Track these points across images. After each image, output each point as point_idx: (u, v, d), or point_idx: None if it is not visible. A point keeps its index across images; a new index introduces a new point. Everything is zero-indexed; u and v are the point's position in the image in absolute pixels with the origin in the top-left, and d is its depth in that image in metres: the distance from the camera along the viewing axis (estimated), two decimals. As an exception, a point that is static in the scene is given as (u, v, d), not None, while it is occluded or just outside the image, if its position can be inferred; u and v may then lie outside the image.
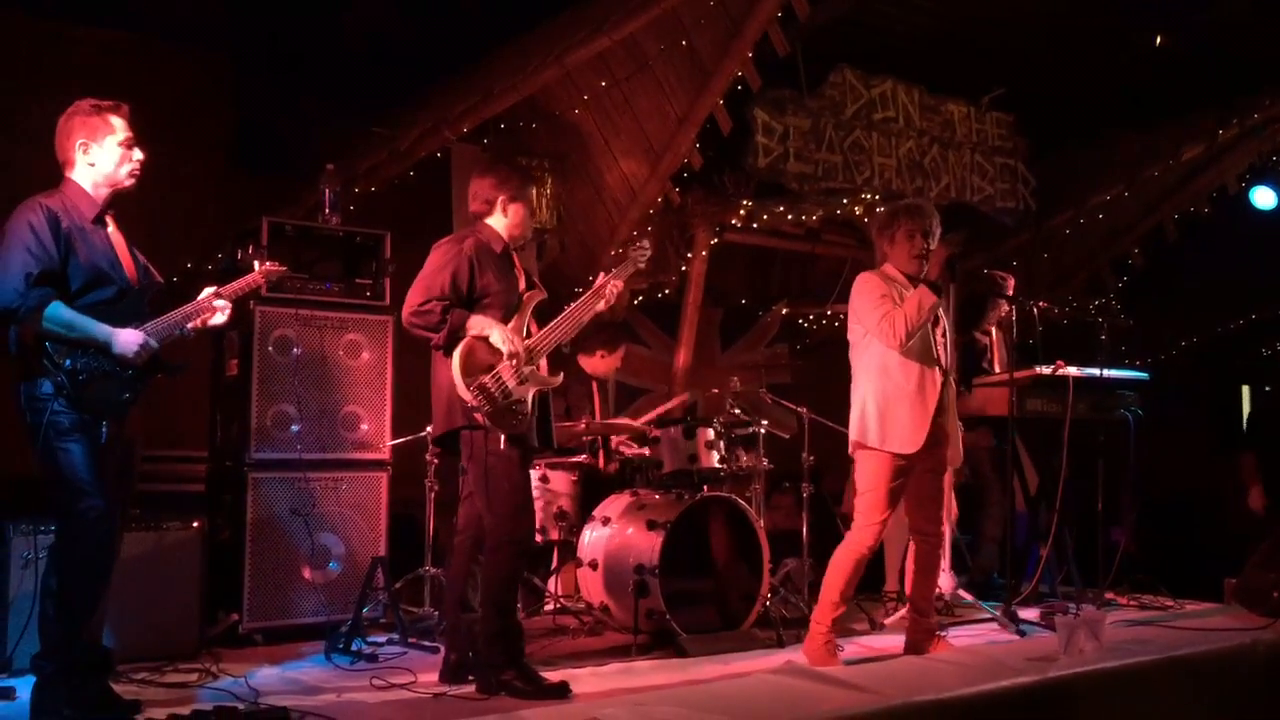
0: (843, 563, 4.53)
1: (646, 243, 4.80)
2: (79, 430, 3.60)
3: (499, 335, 4.16)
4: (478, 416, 4.07)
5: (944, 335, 4.67)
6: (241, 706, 3.70)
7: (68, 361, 3.60)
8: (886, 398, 4.51)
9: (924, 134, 8.20)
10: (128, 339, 3.68)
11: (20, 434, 3.66)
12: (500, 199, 4.38)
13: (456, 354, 4.09)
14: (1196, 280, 9.29)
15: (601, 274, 4.57)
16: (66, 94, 3.92)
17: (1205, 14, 7.33)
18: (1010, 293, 6.18)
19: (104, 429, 3.63)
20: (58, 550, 3.74)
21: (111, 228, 3.88)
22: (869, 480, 4.54)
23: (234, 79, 6.90)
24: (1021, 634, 5.07)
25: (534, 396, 4.24)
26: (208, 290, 3.98)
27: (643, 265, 4.73)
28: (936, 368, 4.58)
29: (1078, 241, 9.42)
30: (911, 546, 4.79)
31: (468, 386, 4.05)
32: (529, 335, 4.32)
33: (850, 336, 4.70)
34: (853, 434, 4.60)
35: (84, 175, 3.82)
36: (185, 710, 3.59)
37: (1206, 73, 7.92)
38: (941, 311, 4.66)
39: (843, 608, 4.58)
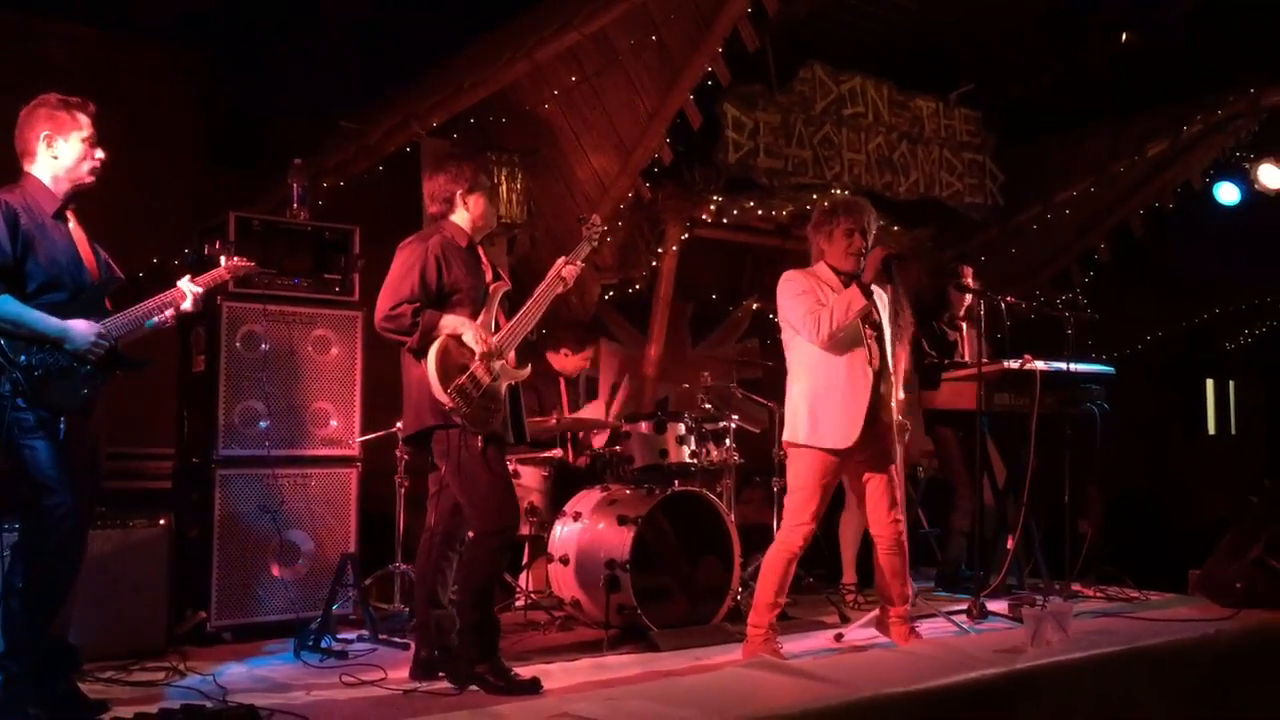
0: (774, 563, 4.55)
1: (596, 217, 4.82)
2: (43, 428, 3.57)
3: (471, 335, 4.15)
4: (455, 418, 4.07)
5: (877, 331, 4.62)
6: (209, 704, 3.67)
7: (23, 358, 3.57)
8: (816, 394, 4.53)
9: (893, 129, 8.24)
10: (81, 331, 3.64)
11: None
12: (458, 194, 4.37)
13: (432, 356, 4.08)
14: (1162, 275, 9.40)
15: (560, 259, 4.56)
16: (34, 89, 3.88)
17: (1169, 10, 7.41)
18: (969, 283, 6.21)
19: (62, 425, 3.59)
20: (23, 548, 3.70)
21: (72, 223, 3.85)
22: (799, 478, 4.55)
23: (202, 74, 6.83)
24: (965, 631, 5.00)
25: (506, 391, 4.24)
26: (182, 280, 3.96)
27: (596, 243, 4.74)
28: (869, 364, 4.55)
29: (1045, 236, 9.49)
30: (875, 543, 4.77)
31: (445, 390, 4.04)
32: (497, 328, 4.32)
33: (782, 336, 4.72)
34: (785, 432, 4.62)
35: (44, 169, 3.79)
36: (153, 709, 3.56)
37: (1171, 69, 8.01)
38: (882, 310, 4.65)
39: (777, 609, 4.57)
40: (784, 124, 7.60)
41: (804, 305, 4.53)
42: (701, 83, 6.83)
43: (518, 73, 6.52)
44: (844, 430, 4.48)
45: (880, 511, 4.67)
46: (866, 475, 4.64)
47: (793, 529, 4.53)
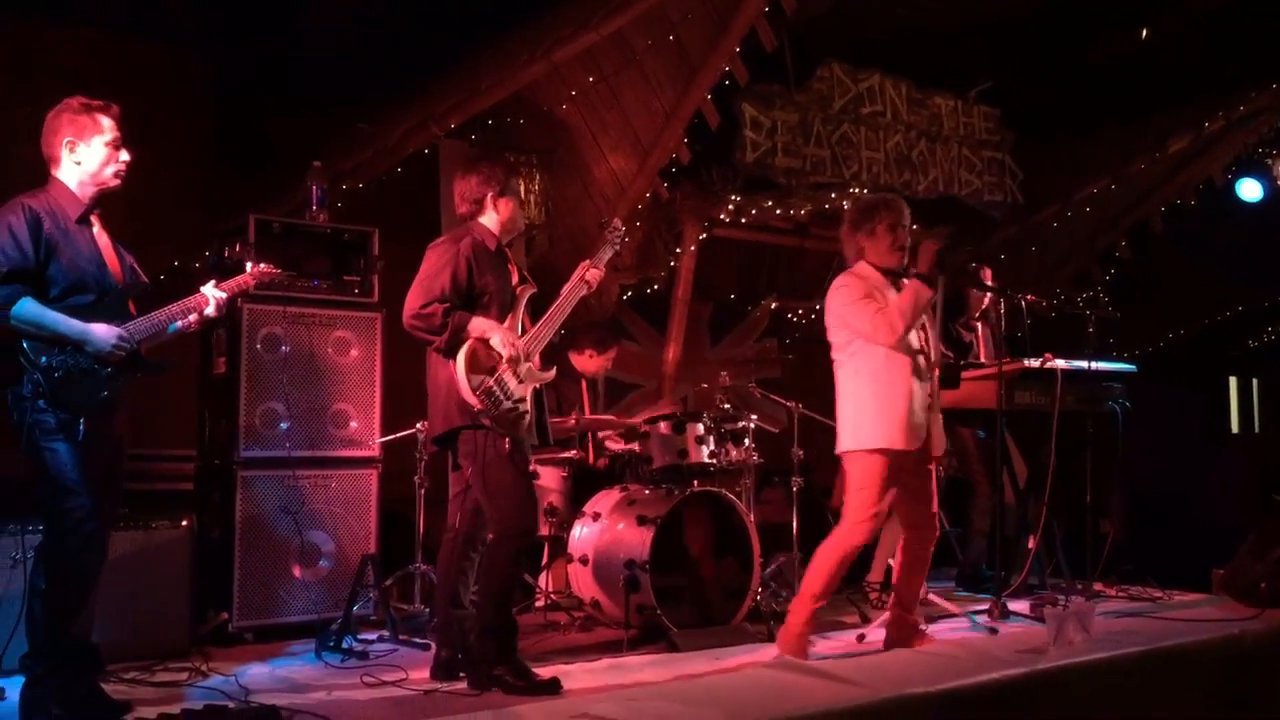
0: (828, 557, 4.51)
1: (618, 221, 4.82)
2: (63, 430, 3.59)
3: (499, 338, 4.17)
4: (484, 420, 4.08)
5: (926, 330, 4.64)
6: (232, 705, 3.69)
7: (44, 359, 3.59)
8: (880, 397, 4.48)
9: (911, 128, 8.21)
10: (102, 334, 3.66)
11: (4, 432, 3.65)
12: (488, 196, 4.38)
13: (461, 358, 4.09)
14: (1183, 272, 9.34)
15: (583, 262, 4.57)
16: (48, 94, 3.89)
17: (1191, 7, 7.36)
18: (989, 283, 6.18)
19: (81, 427, 3.61)
20: (45, 550, 3.72)
21: (97, 228, 3.86)
22: (862, 479, 4.49)
23: (218, 76, 6.86)
24: (993, 631, 5.02)
25: (532, 393, 4.26)
26: (206, 286, 3.98)
27: (619, 246, 4.75)
28: (927, 360, 4.58)
29: (1065, 234, 9.45)
30: (901, 541, 4.78)
31: (473, 391, 4.06)
32: (524, 331, 4.33)
33: (832, 339, 4.65)
34: (844, 438, 4.55)
35: (69, 174, 3.81)
36: (175, 709, 3.58)
37: (1193, 65, 7.95)
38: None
39: (821, 602, 4.55)
40: (802, 123, 7.58)
41: (870, 308, 4.48)
42: (719, 82, 6.83)
43: (535, 74, 6.53)
44: (912, 430, 4.47)
45: (925, 506, 4.65)
46: (915, 470, 4.61)
47: (855, 525, 4.46)
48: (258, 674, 4.45)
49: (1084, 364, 5.62)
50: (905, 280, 4.55)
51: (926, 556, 4.72)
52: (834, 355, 4.65)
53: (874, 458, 4.47)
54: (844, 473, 4.62)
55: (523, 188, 6.75)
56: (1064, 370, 5.52)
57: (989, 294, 6.32)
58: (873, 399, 4.49)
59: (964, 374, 5.93)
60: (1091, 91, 8.35)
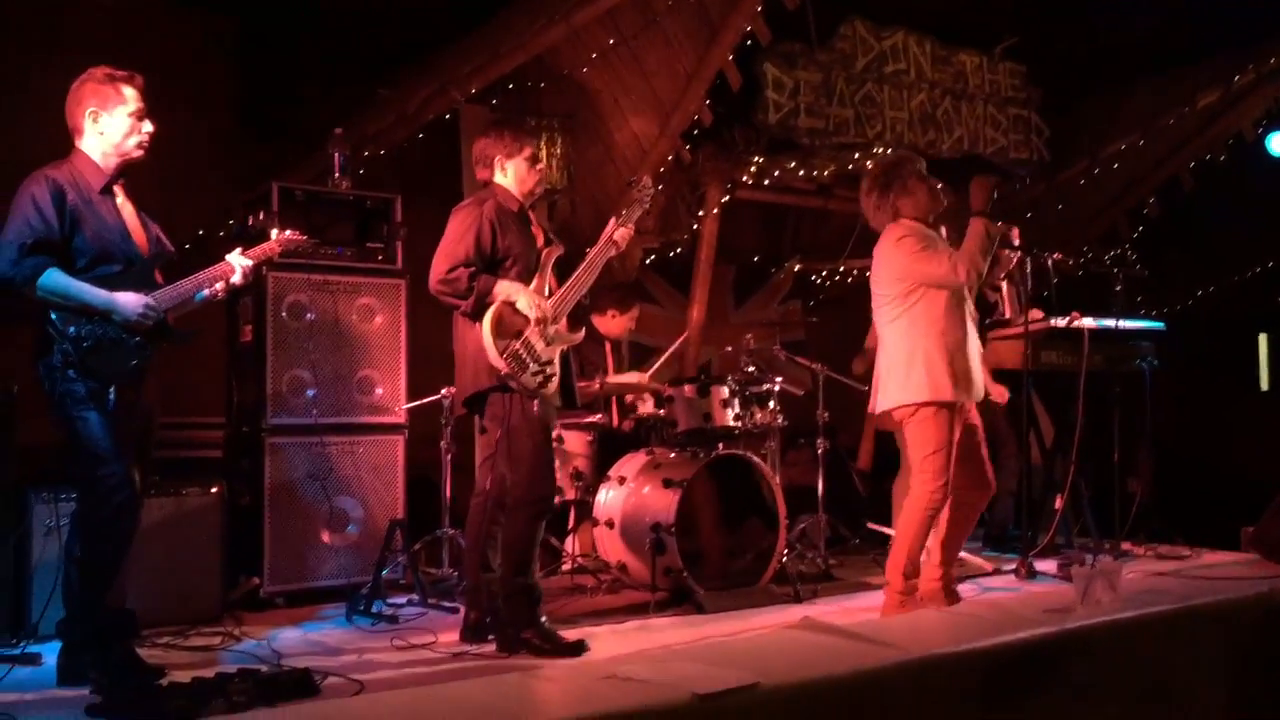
0: (917, 518, 4.46)
1: (646, 178, 4.78)
2: (93, 399, 3.62)
3: (525, 300, 4.17)
4: (511, 383, 4.09)
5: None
6: (264, 668, 3.74)
7: (71, 329, 3.62)
8: (947, 347, 4.43)
9: (936, 86, 8.12)
10: (129, 302, 3.68)
11: (39, 402, 3.69)
12: (497, 159, 4.39)
13: (487, 321, 4.09)
14: (1213, 228, 9.21)
15: (611, 221, 4.56)
16: (72, 59, 3.90)
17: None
18: (1015, 243, 6.13)
19: (111, 395, 3.64)
20: (80, 518, 3.78)
21: (121, 198, 3.88)
22: (938, 437, 4.41)
23: (239, 42, 6.84)
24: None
25: (559, 356, 4.27)
26: (232, 254, 3.99)
27: (648, 204, 4.72)
28: (972, 308, 4.57)
29: (1093, 192, 9.33)
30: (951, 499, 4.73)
31: (500, 354, 4.06)
32: (550, 293, 4.33)
33: (887, 292, 4.55)
34: (908, 396, 4.44)
35: (93, 144, 3.82)
36: (209, 673, 3.63)
37: (1222, 17, 7.81)
38: None
39: (914, 579, 4.49)
40: (825, 83, 7.50)
41: (936, 253, 4.43)
42: (741, 42, 6.77)
43: (555, 37, 6.48)
44: (977, 379, 4.48)
45: (978, 464, 4.61)
46: (967, 425, 4.57)
47: (930, 492, 4.41)
48: (289, 638, 4.50)
49: (1112, 322, 5.57)
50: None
51: (975, 516, 4.69)
52: (886, 310, 4.57)
53: (943, 414, 4.42)
54: (906, 436, 4.55)
55: (544, 151, 6.76)
56: (1091, 329, 5.47)
57: (1016, 254, 6.26)
58: (940, 349, 4.44)
59: (990, 334, 5.90)
60: (1120, 46, 8.22)
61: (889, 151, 7.66)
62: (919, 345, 4.46)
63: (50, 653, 3.91)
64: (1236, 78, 8.26)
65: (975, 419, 4.63)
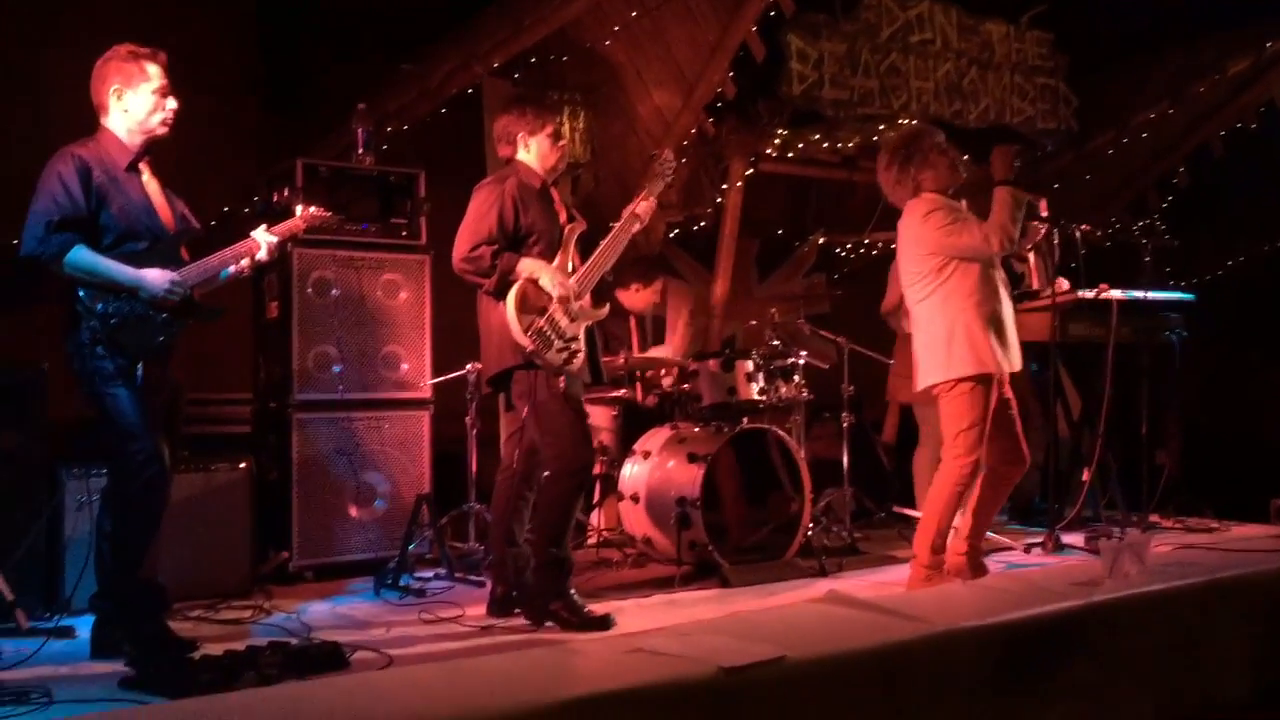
0: (936, 500, 4.46)
1: (667, 151, 4.77)
2: (121, 375, 3.65)
3: (549, 278, 4.16)
4: (536, 360, 4.10)
5: None
6: (294, 641, 3.78)
7: (99, 306, 3.64)
8: (984, 318, 4.42)
9: (962, 55, 8.02)
10: (155, 279, 3.70)
11: (69, 379, 3.73)
12: (520, 135, 4.38)
13: (511, 299, 4.09)
14: (1244, 198, 9.08)
15: (636, 197, 4.54)
16: (91, 40, 3.90)
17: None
18: (1044, 214, 6.07)
19: (139, 371, 3.67)
20: (110, 493, 3.82)
21: (146, 175, 3.90)
22: (972, 413, 4.39)
23: (260, 18, 6.84)
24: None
25: (584, 332, 4.27)
26: (257, 230, 4.00)
27: (669, 177, 4.70)
28: (1003, 276, 4.57)
29: (1121, 161, 9.21)
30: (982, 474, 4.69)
31: (524, 332, 4.06)
32: (573, 270, 4.32)
33: (917, 269, 4.51)
34: (952, 371, 4.42)
35: (118, 122, 3.83)
36: (240, 646, 3.68)
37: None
38: None
39: (940, 554, 4.49)
40: (849, 53, 7.42)
41: (966, 225, 4.42)
42: (764, 13, 6.70)
43: (578, 9, 6.43)
44: (1014, 346, 4.47)
45: (1012, 439, 4.58)
46: (1002, 399, 4.54)
47: (960, 467, 4.40)
48: (319, 611, 4.55)
49: (1140, 294, 5.52)
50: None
51: (1007, 491, 4.67)
52: (918, 288, 4.53)
53: (979, 389, 4.39)
54: (941, 410, 4.51)
55: (567, 125, 6.74)
56: (1120, 301, 5.43)
57: (1044, 225, 6.21)
58: (979, 321, 4.42)
59: (1018, 306, 5.85)
60: (1148, 13, 8.10)
61: (914, 123, 7.60)
62: (958, 320, 4.43)
63: (84, 626, 3.96)
64: (1268, 45, 8.12)
65: (1010, 393, 4.60)
